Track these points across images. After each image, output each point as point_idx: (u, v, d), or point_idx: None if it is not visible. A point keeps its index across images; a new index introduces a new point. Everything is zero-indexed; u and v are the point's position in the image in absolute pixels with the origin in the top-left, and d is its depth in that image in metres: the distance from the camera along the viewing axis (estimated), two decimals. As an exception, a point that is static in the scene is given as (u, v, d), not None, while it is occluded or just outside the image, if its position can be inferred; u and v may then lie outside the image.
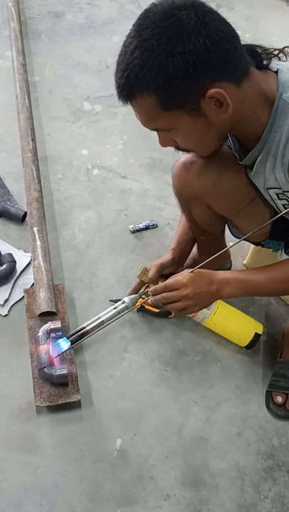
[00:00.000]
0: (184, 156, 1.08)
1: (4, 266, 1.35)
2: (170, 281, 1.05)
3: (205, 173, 1.05)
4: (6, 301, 1.32)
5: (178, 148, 0.94)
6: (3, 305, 1.31)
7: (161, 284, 1.07)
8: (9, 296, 1.33)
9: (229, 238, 1.32)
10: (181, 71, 0.77)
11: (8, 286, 1.34)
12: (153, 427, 1.15)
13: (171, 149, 0.97)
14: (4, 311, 1.30)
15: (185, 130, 0.86)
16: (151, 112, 0.83)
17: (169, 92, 0.79)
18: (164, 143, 0.91)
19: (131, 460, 1.10)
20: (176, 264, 1.28)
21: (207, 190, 1.07)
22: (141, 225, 1.53)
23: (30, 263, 1.39)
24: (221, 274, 1.05)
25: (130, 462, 1.10)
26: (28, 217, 1.46)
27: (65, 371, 1.14)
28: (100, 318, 1.23)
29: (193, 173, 1.07)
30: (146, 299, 1.15)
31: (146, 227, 1.54)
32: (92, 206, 1.59)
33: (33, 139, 1.67)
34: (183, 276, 1.03)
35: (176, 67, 0.77)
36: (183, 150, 0.95)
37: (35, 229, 1.42)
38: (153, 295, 1.07)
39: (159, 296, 1.04)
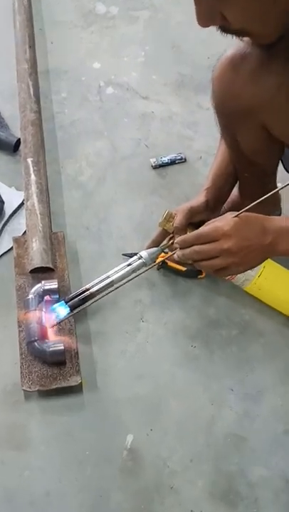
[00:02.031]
0: (233, 49, 0.77)
1: (-12, 207, 1.08)
2: (206, 228, 0.78)
3: (263, 74, 0.74)
4: (-9, 252, 1.06)
5: (225, 29, 0.63)
6: (-14, 257, 1.06)
7: (192, 233, 0.80)
8: (-6, 245, 1.07)
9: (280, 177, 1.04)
10: None
11: (-7, 234, 1.08)
12: (175, 420, 0.93)
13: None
14: (-12, 265, 1.05)
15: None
16: None
17: None
18: (205, 18, 0.60)
19: (145, 463, 0.88)
20: (211, 209, 1.01)
21: (264, 101, 0.76)
22: (165, 159, 1.26)
23: (22, 204, 1.12)
24: (278, 221, 0.77)
25: (144, 466, 0.87)
26: (21, 146, 1.19)
27: (61, 346, 0.90)
28: (109, 277, 0.98)
29: (246, 73, 0.76)
30: (171, 253, 0.90)
31: (172, 162, 1.26)
32: (104, 134, 1.32)
33: (31, 47, 1.36)
34: (224, 221, 0.76)
35: None
36: (233, 32, 0.64)
37: (29, 160, 1.14)
38: (181, 248, 0.81)
39: (189, 250, 0.79)
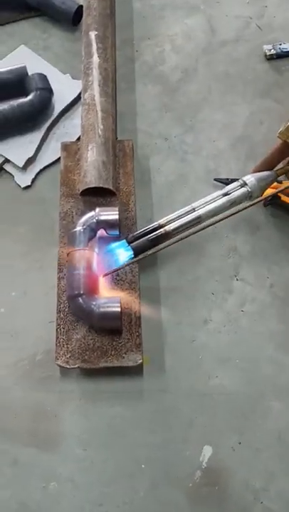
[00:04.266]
0: None
1: (30, 97, 0.77)
2: None
3: None
4: (30, 162, 0.76)
5: None
6: (24, 169, 0.76)
7: None
8: (36, 153, 0.77)
9: None
10: None
11: (34, 136, 0.79)
12: (276, 432, 0.64)
13: None
14: (25, 181, 0.77)
15: None
16: None
17: None
18: None
19: (227, 492, 0.61)
20: None
21: None
22: (286, 47, 0.90)
23: (79, 98, 0.80)
24: None
25: (226, 496, 0.61)
26: (84, 15, 0.85)
27: (117, 307, 0.62)
28: (194, 210, 0.67)
29: None
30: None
31: (296, 52, 0.88)
32: (199, 8, 0.97)
33: None
34: None
35: None
36: None
37: (92, 34, 0.81)
38: None
39: None
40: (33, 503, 0.59)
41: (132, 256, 0.65)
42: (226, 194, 0.68)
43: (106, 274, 0.65)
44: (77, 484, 0.60)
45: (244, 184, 0.67)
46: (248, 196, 0.67)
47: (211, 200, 0.67)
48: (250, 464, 0.61)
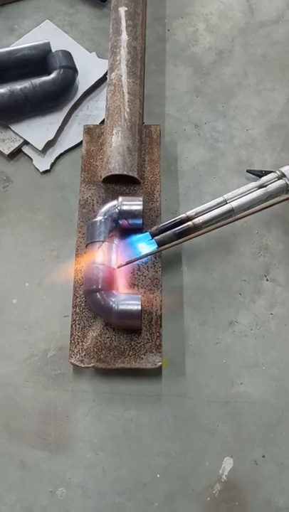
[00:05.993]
0: None
1: (53, 75, 0.73)
2: None
3: None
4: (50, 145, 0.73)
5: None
6: (43, 152, 0.72)
7: None
8: (56, 136, 0.74)
9: None
10: None
11: (55, 118, 0.75)
12: None
13: None
14: (45, 165, 0.73)
15: None
16: None
17: None
18: None
19: (249, 508, 0.58)
20: None
21: None
22: None
23: (105, 78, 0.77)
24: None
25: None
26: (112, -10, 0.81)
27: (137, 304, 0.58)
28: (226, 202, 0.63)
29: None
30: None
31: None
32: None
33: None
34: None
35: None
36: None
37: (122, 10, 0.77)
38: None
39: None
40: (39, 508, 0.56)
41: (156, 249, 0.62)
42: (261, 186, 0.63)
43: (120, 266, 0.61)
44: (87, 491, 0.57)
45: (282, 176, 0.63)
46: (286, 189, 0.63)
47: (245, 192, 0.63)
48: (273, 479, 0.57)
